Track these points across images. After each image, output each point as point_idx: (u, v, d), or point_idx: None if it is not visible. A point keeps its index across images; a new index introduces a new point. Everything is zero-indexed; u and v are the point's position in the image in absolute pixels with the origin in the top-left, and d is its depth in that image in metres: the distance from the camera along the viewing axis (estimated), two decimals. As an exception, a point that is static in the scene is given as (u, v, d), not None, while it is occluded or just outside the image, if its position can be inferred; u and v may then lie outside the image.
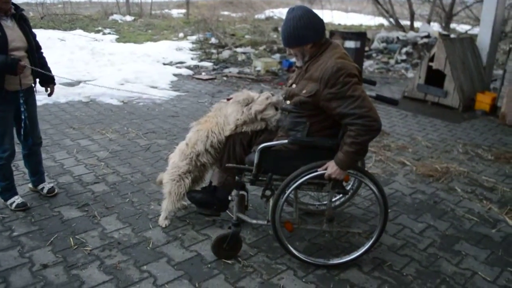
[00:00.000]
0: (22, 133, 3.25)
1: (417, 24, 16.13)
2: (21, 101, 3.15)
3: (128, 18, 17.92)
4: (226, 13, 21.94)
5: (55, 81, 3.49)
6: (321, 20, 2.62)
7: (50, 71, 3.39)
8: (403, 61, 11.21)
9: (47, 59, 3.47)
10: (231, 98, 3.08)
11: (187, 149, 3.09)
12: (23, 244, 2.93)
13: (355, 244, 3.10)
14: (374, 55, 11.84)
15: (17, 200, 3.36)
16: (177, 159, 3.14)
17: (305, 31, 2.54)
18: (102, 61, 9.47)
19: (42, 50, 3.42)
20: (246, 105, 2.94)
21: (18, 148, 3.38)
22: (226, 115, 2.99)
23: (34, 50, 3.24)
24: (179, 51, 11.47)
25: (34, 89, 3.36)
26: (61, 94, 6.47)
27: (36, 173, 3.58)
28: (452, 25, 17.12)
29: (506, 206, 3.82)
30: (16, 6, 3.17)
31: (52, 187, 3.62)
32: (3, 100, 3.09)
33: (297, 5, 2.61)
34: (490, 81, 7.89)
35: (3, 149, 3.20)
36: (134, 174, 4.10)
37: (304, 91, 2.58)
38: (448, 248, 3.16)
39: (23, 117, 3.19)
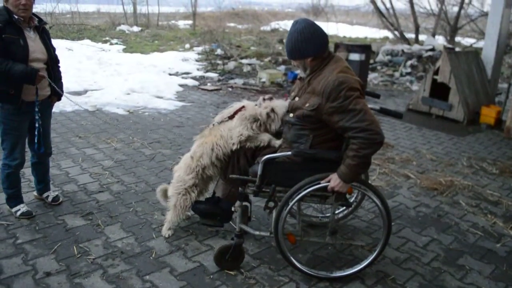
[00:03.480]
0: (36, 141, 3.28)
1: (422, 37, 16.20)
2: (36, 109, 3.19)
3: (135, 28, 18.10)
4: (232, 24, 22.13)
5: (61, 97, 3.52)
6: (323, 34, 2.64)
7: (62, 86, 3.43)
8: (407, 74, 11.24)
9: None
10: (233, 116, 3.06)
11: (192, 162, 3.10)
12: (27, 252, 2.95)
13: (358, 257, 3.09)
14: (379, 67, 11.88)
15: (22, 208, 3.38)
16: (182, 172, 3.14)
17: (306, 45, 2.58)
18: (109, 71, 9.56)
19: (59, 64, 3.45)
20: (254, 122, 2.94)
21: (26, 156, 3.41)
22: (230, 128, 3.00)
23: (53, 62, 3.30)
24: (185, 61, 11.55)
25: (51, 100, 3.40)
26: (67, 103, 6.50)
27: (42, 181, 3.61)
28: (457, 39, 17.17)
29: (510, 220, 3.79)
30: (39, 19, 3.23)
31: (57, 195, 3.64)
32: (19, 111, 3.13)
33: (301, 18, 2.65)
34: (495, 95, 7.88)
35: (13, 158, 3.23)
36: (139, 183, 4.11)
37: (307, 105, 2.60)
38: (452, 262, 3.14)
39: (37, 125, 3.23)
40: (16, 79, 2.99)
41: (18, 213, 3.36)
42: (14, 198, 3.39)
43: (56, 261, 2.87)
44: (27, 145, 3.38)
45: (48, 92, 3.31)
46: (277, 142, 2.92)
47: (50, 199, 3.60)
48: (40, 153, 3.41)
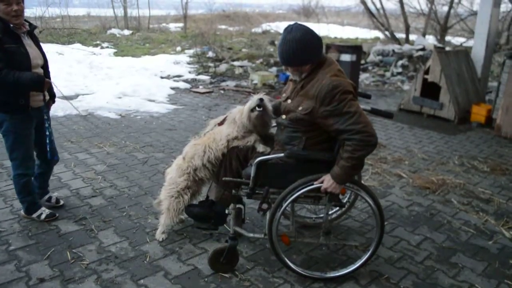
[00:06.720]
0: (48, 149, 3.27)
1: (412, 37, 16.29)
2: (46, 117, 3.18)
3: (126, 32, 18.05)
4: (223, 27, 22.13)
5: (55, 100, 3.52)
6: (319, 40, 2.64)
7: (53, 88, 3.42)
8: (398, 73, 11.30)
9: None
10: (222, 123, 3.13)
11: (184, 163, 3.11)
12: (20, 258, 2.93)
13: (352, 257, 3.11)
14: (370, 68, 11.94)
15: (44, 212, 3.37)
16: (174, 174, 3.15)
17: (306, 54, 2.57)
18: (100, 75, 9.53)
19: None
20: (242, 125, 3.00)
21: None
22: (221, 131, 3.03)
23: (47, 66, 3.29)
24: (177, 64, 11.54)
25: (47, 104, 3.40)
26: (59, 107, 6.49)
27: (43, 187, 3.60)
28: (447, 38, 17.30)
29: (502, 218, 3.83)
30: (29, 23, 3.19)
31: (57, 198, 3.64)
32: (28, 117, 3.12)
33: (296, 25, 2.61)
34: (485, 93, 7.96)
35: (27, 166, 3.22)
36: (132, 187, 4.10)
37: (300, 108, 2.61)
38: (445, 260, 3.16)
39: (47, 133, 3.22)
40: (25, 88, 2.97)
41: (42, 216, 3.35)
42: (33, 204, 3.38)
43: (49, 267, 2.85)
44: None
45: (47, 97, 3.30)
46: (260, 146, 2.92)
47: (53, 200, 3.60)
48: (54, 160, 3.40)
